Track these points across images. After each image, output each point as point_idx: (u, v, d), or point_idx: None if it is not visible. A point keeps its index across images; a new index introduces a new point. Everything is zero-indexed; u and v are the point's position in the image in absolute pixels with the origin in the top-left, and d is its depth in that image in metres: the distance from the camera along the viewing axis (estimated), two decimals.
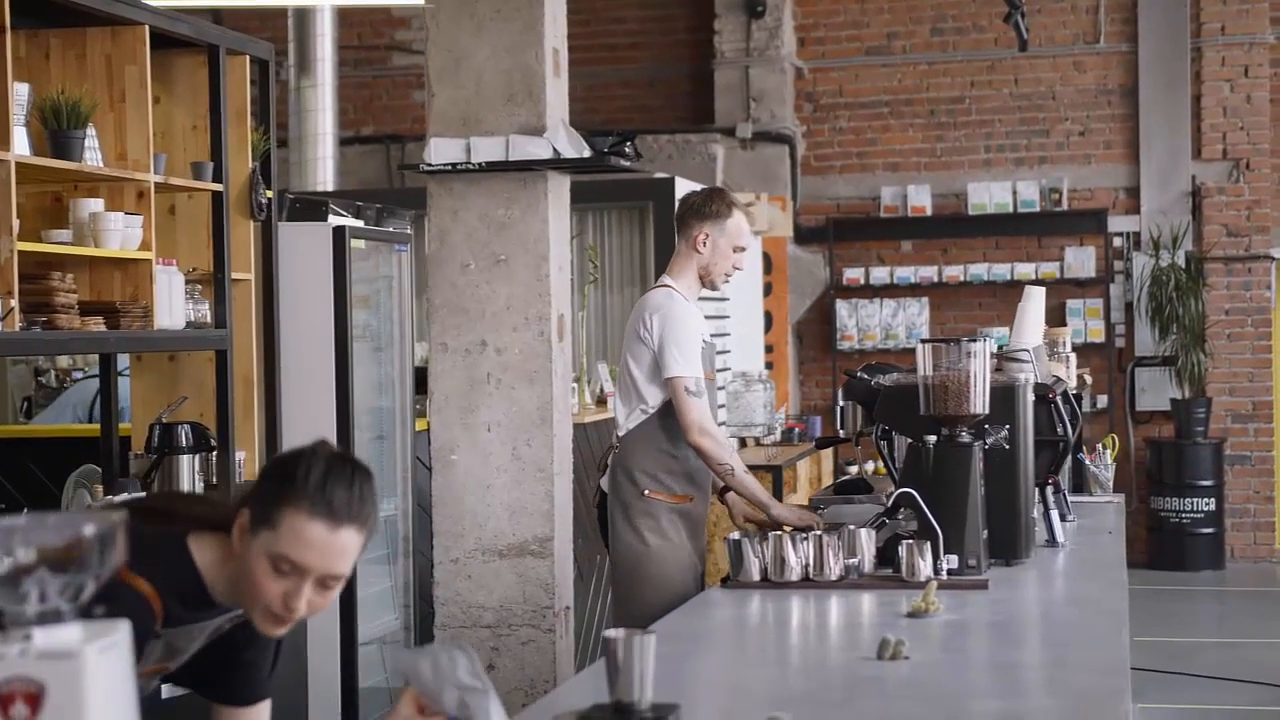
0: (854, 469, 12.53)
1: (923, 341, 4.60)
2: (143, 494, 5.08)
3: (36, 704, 1.75)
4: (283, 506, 2.65)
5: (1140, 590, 11.55)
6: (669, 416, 5.34)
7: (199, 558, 2.76)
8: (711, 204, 5.49)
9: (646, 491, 5.38)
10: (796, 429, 11.26)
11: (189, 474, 5.60)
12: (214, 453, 5.75)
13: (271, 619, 2.71)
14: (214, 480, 5.77)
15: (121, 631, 1.84)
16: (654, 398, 5.35)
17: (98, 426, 5.97)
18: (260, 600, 2.69)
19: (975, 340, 4.56)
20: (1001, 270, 13.14)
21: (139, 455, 5.76)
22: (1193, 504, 12.69)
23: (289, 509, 2.64)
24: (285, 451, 2.80)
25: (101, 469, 5.79)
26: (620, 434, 5.47)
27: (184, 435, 5.61)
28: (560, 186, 6.20)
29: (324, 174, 11.04)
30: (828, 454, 11.59)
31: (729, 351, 10.88)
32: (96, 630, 1.82)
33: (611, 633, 2.80)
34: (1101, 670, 3.32)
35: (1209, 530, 12.73)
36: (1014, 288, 13.01)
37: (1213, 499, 12.71)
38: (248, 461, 6.05)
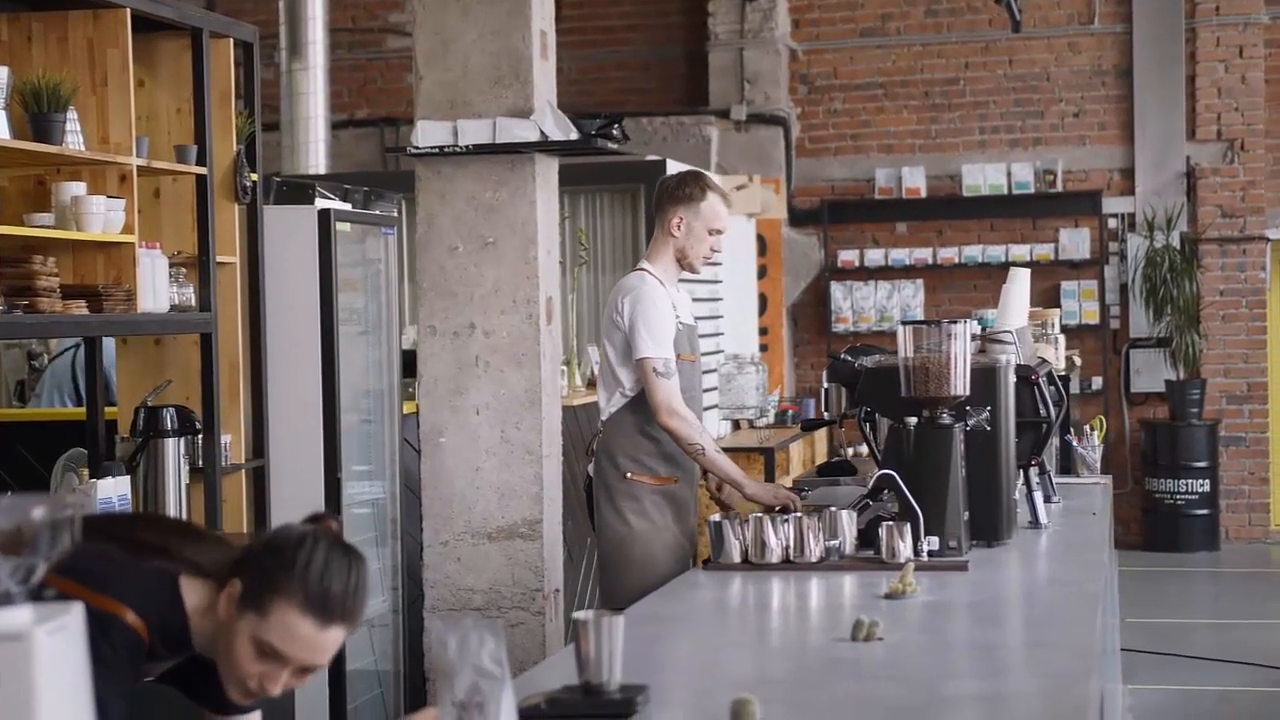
0: (849, 451, 12.55)
1: (904, 323, 4.61)
2: (134, 514, 4.96)
3: None
4: (276, 595, 2.63)
5: (1135, 572, 11.58)
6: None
7: (188, 602, 2.73)
8: (685, 187, 5.50)
9: (629, 474, 5.40)
10: (790, 411, 11.26)
11: (174, 457, 5.60)
12: (199, 436, 5.75)
13: (244, 692, 2.70)
14: (199, 464, 5.77)
15: (73, 614, 1.84)
16: (631, 381, 5.37)
17: (84, 411, 5.97)
18: (236, 674, 2.68)
19: (956, 322, 4.56)
20: (996, 252, 13.13)
21: (124, 438, 5.76)
22: (1187, 485, 12.69)
23: (282, 599, 2.63)
24: (287, 528, 2.76)
25: (87, 453, 5.79)
26: (603, 418, 5.50)
27: (169, 419, 5.60)
28: (548, 169, 6.20)
29: (315, 157, 11.03)
30: (821, 436, 11.60)
31: (722, 334, 10.89)
32: (47, 612, 1.82)
33: (580, 615, 2.81)
34: (1071, 650, 3.32)
35: (1203, 512, 12.74)
36: (1008, 270, 12.96)
37: (1207, 480, 12.72)
38: (233, 445, 6.06)
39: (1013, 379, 4.85)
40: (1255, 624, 10.25)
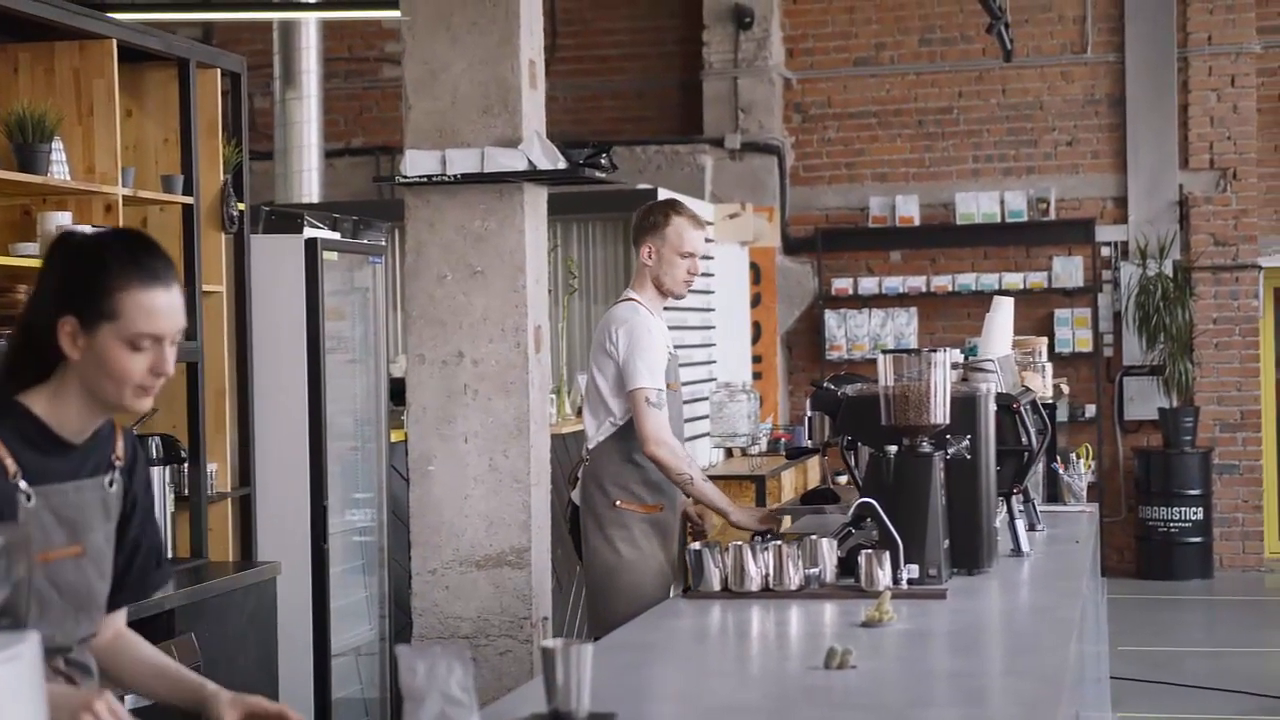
0: (843, 479, 12.54)
1: (884, 352, 4.62)
2: None
3: None
4: (114, 294, 2.74)
5: (1128, 600, 11.59)
6: None
7: (35, 408, 2.79)
8: (649, 216, 5.65)
9: (618, 502, 5.44)
10: (783, 439, 11.26)
11: (160, 486, 5.61)
12: (185, 464, 5.77)
13: (140, 393, 2.78)
14: (185, 493, 5.79)
15: (29, 643, 1.85)
16: (621, 410, 5.41)
17: None
18: (127, 382, 2.76)
19: (936, 351, 4.57)
20: (990, 280, 13.15)
21: None
22: (1181, 513, 12.69)
23: (122, 294, 2.74)
24: (64, 245, 2.83)
25: None
26: (590, 446, 5.55)
27: (155, 447, 5.62)
28: (536, 198, 6.22)
29: (309, 186, 11.06)
30: (814, 464, 11.60)
31: (714, 362, 10.91)
32: (3, 641, 1.83)
33: (549, 643, 2.82)
34: (1043, 678, 3.33)
35: (1197, 539, 12.73)
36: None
37: (1201, 508, 12.72)
38: (219, 473, 6.07)
39: (993, 407, 4.87)
40: (1248, 652, 10.24)
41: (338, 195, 12.46)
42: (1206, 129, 13.06)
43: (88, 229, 2.86)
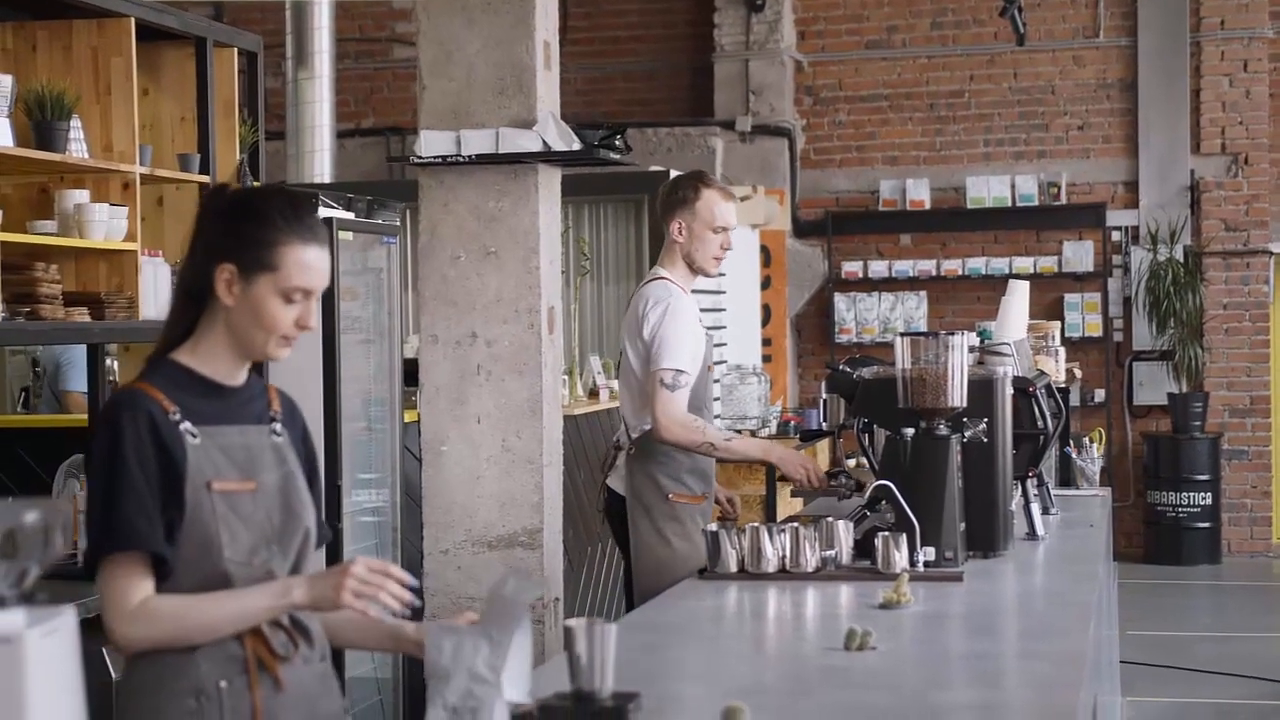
0: (851, 462, 12.54)
1: (901, 334, 4.62)
2: None
3: None
4: (277, 247, 2.90)
5: (1136, 584, 11.59)
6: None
7: (182, 359, 2.96)
8: (678, 190, 5.47)
9: (671, 495, 5.33)
10: (793, 422, 11.26)
11: None
12: None
13: (283, 344, 2.95)
14: None
15: (65, 617, 1.86)
16: None
17: (86, 418, 5.99)
18: (275, 333, 2.93)
19: (953, 334, 4.57)
20: (1000, 264, 13.15)
21: None
22: (1189, 498, 12.70)
23: (284, 248, 2.91)
24: (222, 198, 3.01)
25: None
26: (634, 435, 5.41)
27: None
28: (550, 179, 6.21)
29: (321, 166, 11.05)
30: (825, 446, 11.61)
31: (725, 344, 10.91)
32: (39, 616, 1.84)
33: (572, 622, 2.82)
34: (1061, 661, 3.34)
35: (1205, 525, 12.74)
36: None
37: (1209, 493, 12.72)
38: None
39: (1010, 391, 4.86)
40: (1256, 637, 10.25)
41: (348, 176, 12.46)
42: (1218, 114, 13.04)
43: (236, 186, 3.06)
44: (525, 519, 5.98)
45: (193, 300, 2.96)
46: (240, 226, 2.93)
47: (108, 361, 6.24)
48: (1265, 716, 8.18)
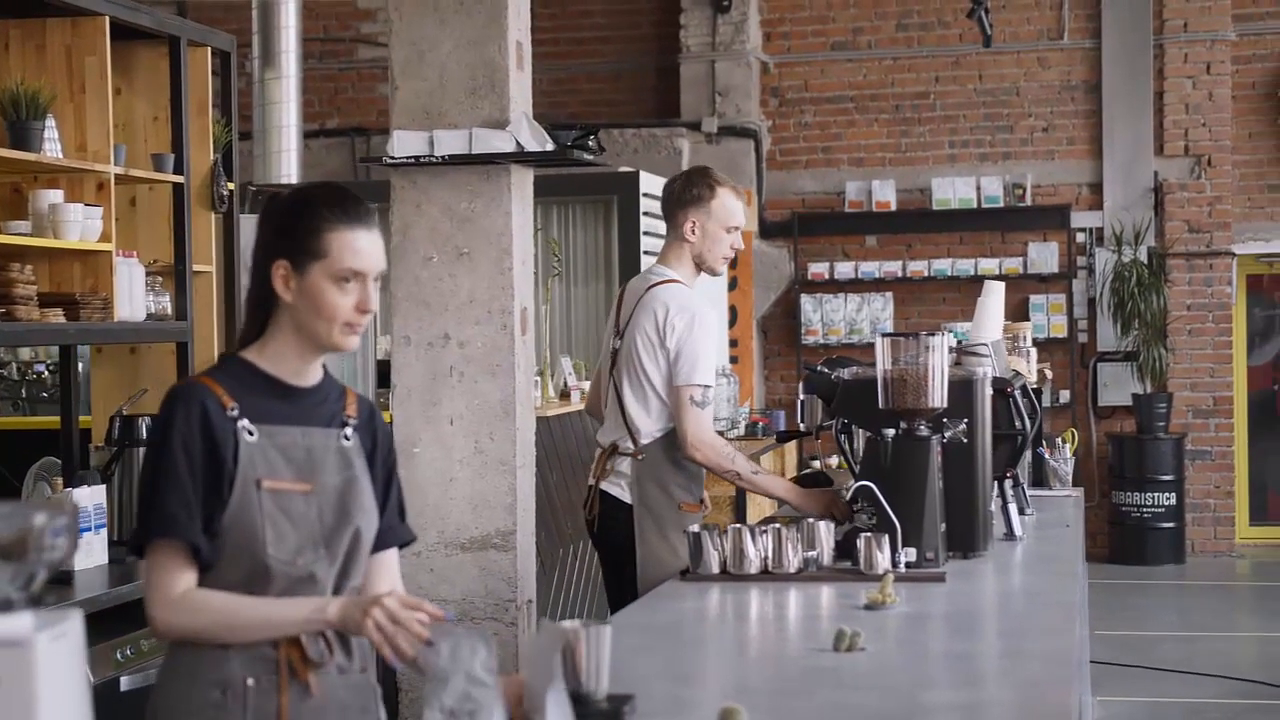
0: (815, 463, 12.57)
1: (882, 335, 4.61)
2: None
3: None
4: (323, 235, 2.96)
5: (1101, 584, 11.63)
6: None
7: (250, 358, 3.01)
8: (693, 188, 5.27)
9: (682, 505, 5.20)
10: (761, 423, 11.27)
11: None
12: None
13: (347, 330, 2.98)
14: None
15: (73, 621, 1.84)
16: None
17: (58, 419, 5.94)
18: (336, 320, 2.96)
19: (934, 334, 4.57)
20: (965, 265, 13.19)
21: (99, 447, 5.74)
22: (1154, 498, 12.76)
23: (330, 234, 2.96)
24: (273, 201, 3.08)
25: (62, 461, 5.76)
26: (644, 440, 5.22)
27: (145, 428, 5.58)
28: (523, 180, 6.20)
29: (288, 166, 10.96)
30: (791, 448, 11.62)
31: None
32: (48, 619, 1.82)
33: (568, 624, 2.81)
34: (1051, 660, 3.34)
35: (1170, 525, 12.81)
36: (978, 283, 12.92)
37: (1173, 493, 12.79)
38: None
39: (989, 391, 4.87)
40: (1222, 636, 10.31)
41: (313, 176, 12.39)
42: (1182, 116, 13.11)
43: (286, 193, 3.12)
44: (499, 521, 5.97)
45: (260, 305, 3.02)
46: (288, 223, 3.00)
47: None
48: (1234, 715, 8.22)
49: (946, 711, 3.03)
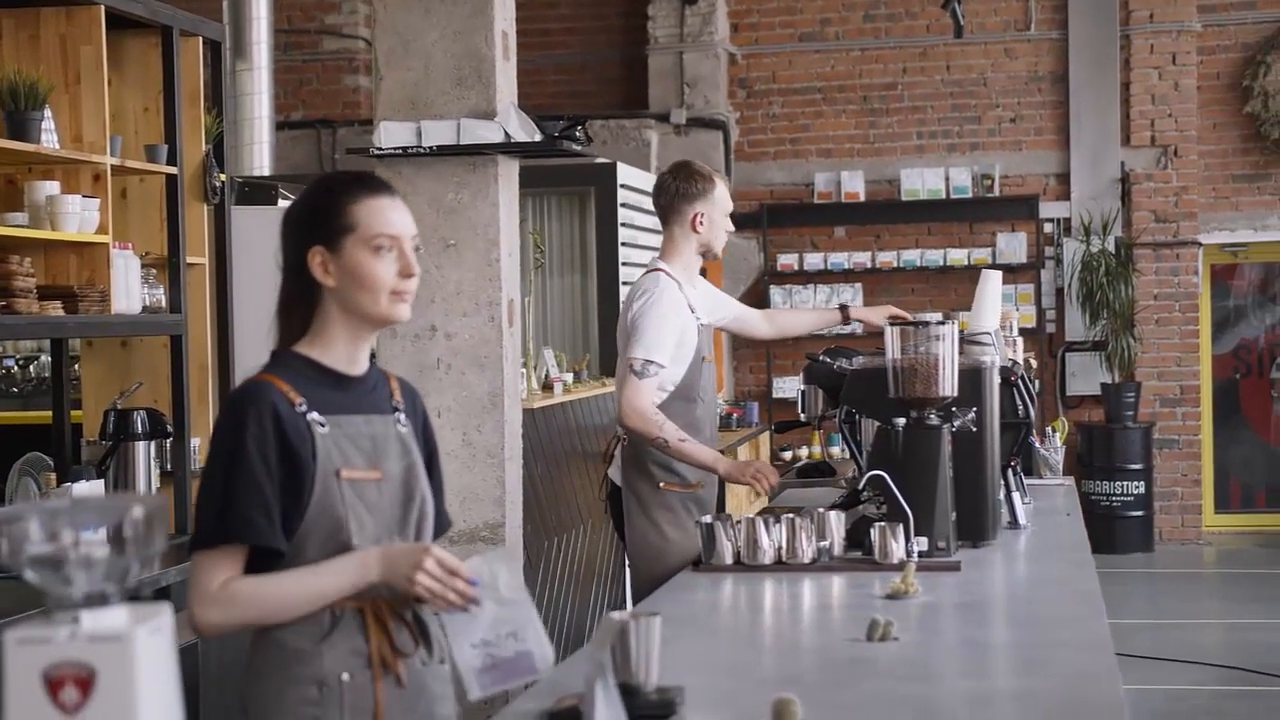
0: (788, 454, 12.58)
1: (891, 324, 4.61)
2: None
3: (87, 688, 1.73)
4: (348, 209, 2.95)
5: None
6: (677, 403, 5.28)
7: (307, 352, 2.99)
8: (695, 183, 5.46)
9: (662, 484, 5.33)
10: (734, 415, 11.28)
11: (144, 461, 5.53)
12: (169, 439, 5.68)
13: (395, 299, 2.96)
14: (169, 467, 5.70)
15: (165, 614, 1.81)
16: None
17: (49, 414, 5.88)
18: (381, 289, 2.94)
19: (944, 323, 4.57)
20: (934, 256, 13.21)
21: (91, 442, 5.68)
22: (1122, 487, 12.83)
23: (354, 205, 2.95)
24: (289, 206, 3.08)
25: (53, 457, 5.69)
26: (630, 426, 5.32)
27: (139, 421, 5.53)
28: (510, 171, 6.18)
29: (260, 158, 10.92)
30: (764, 439, 11.63)
31: None
32: (143, 613, 1.79)
33: (618, 615, 2.79)
34: (1090, 649, 3.34)
35: (1138, 513, 12.88)
36: (946, 273, 13.11)
37: (1142, 482, 12.86)
38: (203, 448, 5.99)
39: (997, 380, 4.88)
40: (1191, 623, 10.37)
41: (279, 168, 12.31)
42: (1148, 106, 13.17)
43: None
44: (487, 513, 5.95)
45: (300, 302, 2.99)
46: (313, 211, 2.99)
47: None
48: (1207, 700, 8.27)
49: (998, 700, 3.02)
